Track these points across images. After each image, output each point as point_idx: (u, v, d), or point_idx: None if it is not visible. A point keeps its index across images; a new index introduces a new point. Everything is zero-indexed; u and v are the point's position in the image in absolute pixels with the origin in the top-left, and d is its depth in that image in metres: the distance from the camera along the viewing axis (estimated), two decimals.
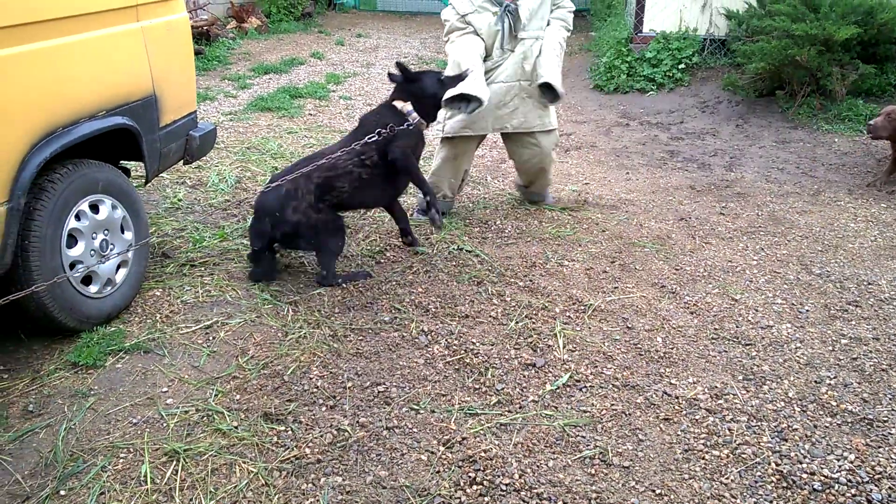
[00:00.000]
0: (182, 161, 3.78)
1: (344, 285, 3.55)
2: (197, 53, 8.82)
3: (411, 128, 3.70)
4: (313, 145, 5.83)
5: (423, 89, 3.75)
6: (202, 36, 9.57)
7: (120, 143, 3.23)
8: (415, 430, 2.55)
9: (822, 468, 2.37)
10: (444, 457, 2.42)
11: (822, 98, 6.77)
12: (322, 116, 6.93)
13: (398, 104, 3.75)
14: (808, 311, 3.41)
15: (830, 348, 3.09)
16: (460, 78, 3.81)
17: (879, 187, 5.13)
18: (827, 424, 2.59)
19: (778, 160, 5.83)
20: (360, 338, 3.11)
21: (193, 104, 3.75)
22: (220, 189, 4.80)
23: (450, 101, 3.83)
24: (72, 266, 2.92)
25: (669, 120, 7.16)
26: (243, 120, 6.57)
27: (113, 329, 3.08)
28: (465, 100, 3.86)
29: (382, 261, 3.82)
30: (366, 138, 3.54)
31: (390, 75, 3.82)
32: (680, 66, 7.84)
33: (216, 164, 5.33)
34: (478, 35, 4.09)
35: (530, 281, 3.63)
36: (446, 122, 4.28)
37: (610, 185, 5.27)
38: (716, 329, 3.24)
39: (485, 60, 4.09)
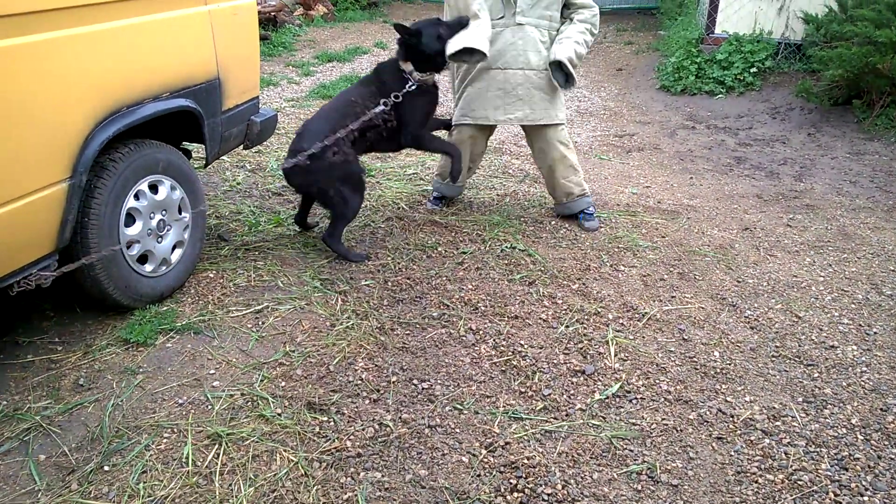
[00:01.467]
0: (242, 145, 3.82)
1: (341, 258, 3.67)
2: (263, 39, 8.94)
3: (414, 88, 3.73)
4: None
5: (422, 51, 3.72)
6: (269, 22, 9.70)
7: (182, 124, 3.26)
8: (457, 430, 2.51)
9: (885, 503, 2.23)
10: (485, 460, 2.37)
11: None
12: None
13: (402, 64, 3.77)
14: (876, 333, 3.23)
15: None
16: (459, 26, 3.71)
17: None
18: (892, 456, 2.45)
19: (851, 172, 5.57)
20: (407, 332, 3.08)
21: (256, 89, 3.77)
22: (279, 175, 4.83)
23: (455, 55, 3.71)
24: (128, 245, 2.96)
25: (738, 125, 6.92)
26: (305, 107, 6.61)
27: (165, 308, 3.12)
28: (469, 52, 3.71)
29: (434, 255, 3.78)
30: (367, 115, 3.63)
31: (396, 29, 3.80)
32: (752, 70, 7.57)
33: (276, 150, 5.37)
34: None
35: (583, 284, 3.54)
36: (453, 109, 4.25)
37: (672, 189, 5.11)
38: (777, 347, 3.10)
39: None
